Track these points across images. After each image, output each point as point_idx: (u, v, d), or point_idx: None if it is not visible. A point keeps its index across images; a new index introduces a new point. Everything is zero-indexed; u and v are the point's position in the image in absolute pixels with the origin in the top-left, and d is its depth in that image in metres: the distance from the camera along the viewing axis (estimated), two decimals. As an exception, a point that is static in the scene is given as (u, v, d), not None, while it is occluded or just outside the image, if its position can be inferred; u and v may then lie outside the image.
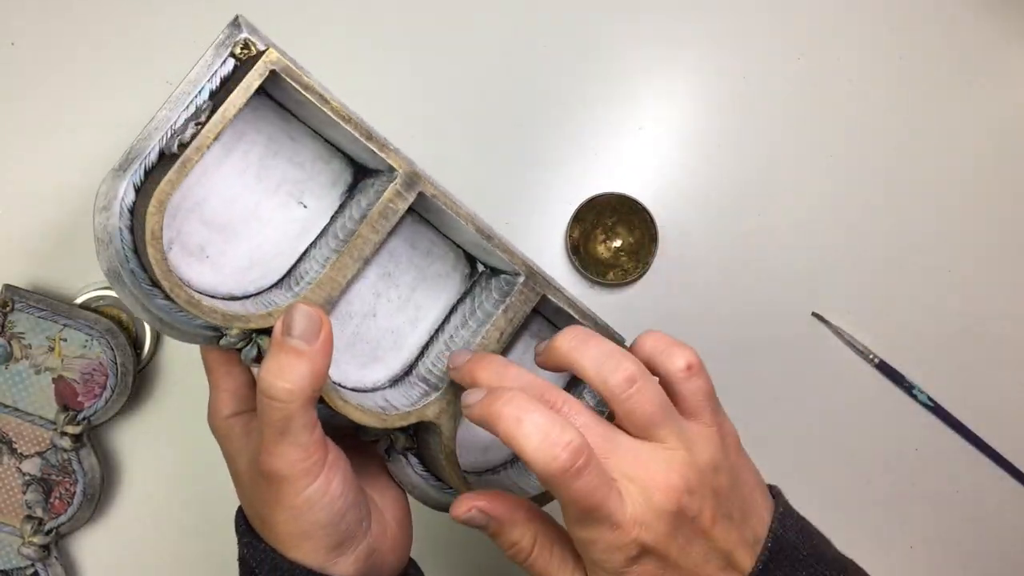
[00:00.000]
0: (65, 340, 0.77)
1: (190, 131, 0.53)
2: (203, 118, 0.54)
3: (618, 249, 0.84)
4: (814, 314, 0.86)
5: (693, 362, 0.57)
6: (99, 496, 0.80)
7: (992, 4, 0.87)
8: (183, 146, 0.53)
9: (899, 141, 0.86)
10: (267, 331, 0.57)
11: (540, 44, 0.85)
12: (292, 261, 0.62)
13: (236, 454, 0.60)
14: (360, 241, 0.58)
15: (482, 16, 0.85)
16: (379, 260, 0.63)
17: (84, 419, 0.78)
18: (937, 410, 0.85)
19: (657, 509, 0.53)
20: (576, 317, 0.64)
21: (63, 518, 0.78)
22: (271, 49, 0.55)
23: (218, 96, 0.56)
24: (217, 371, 0.62)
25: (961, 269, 0.87)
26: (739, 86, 0.86)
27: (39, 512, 0.78)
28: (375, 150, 0.57)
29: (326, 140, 0.62)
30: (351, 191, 0.62)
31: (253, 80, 0.54)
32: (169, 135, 0.55)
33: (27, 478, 0.78)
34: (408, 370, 0.65)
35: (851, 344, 0.85)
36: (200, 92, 0.56)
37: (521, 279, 0.62)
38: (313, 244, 0.62)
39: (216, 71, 0.56)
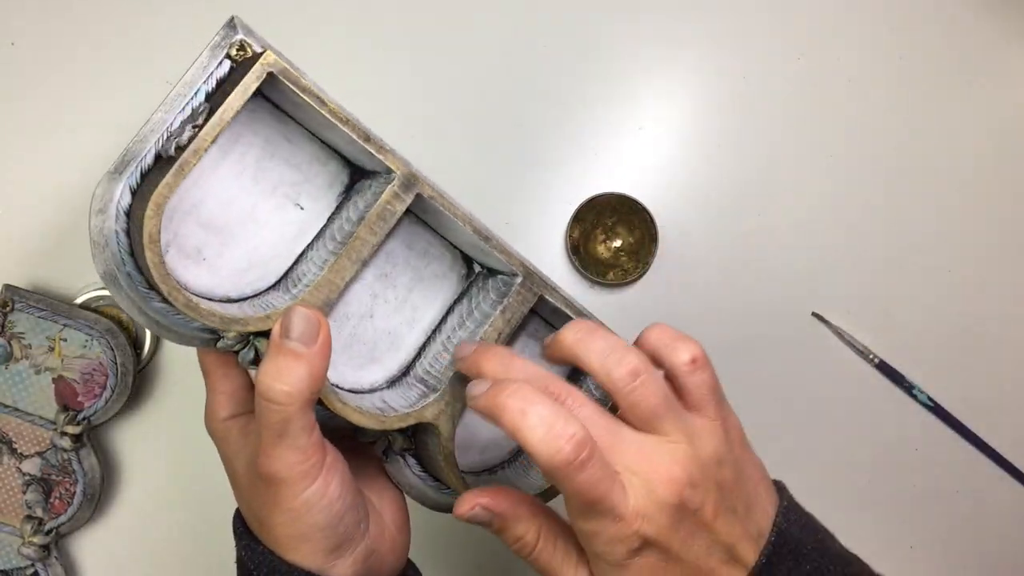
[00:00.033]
0: (65, 340, 0.77)
1: (187, 134, 0.53)
2: (200, 121, 0.54)
3: (618, 249, 0.84)
4: (814, 314, 0.86)
5: (698, 355, 0.57)
6: (99, 496, 0.80)
7: (992, 4, 0.87)
8: (180, 149, 0.53)
9: (899, 141, 0.86)
10: (264, 333, 0.57)
11: (540, 44, 0.85)
12: (289, 263, 0.62)
13: (233, 456, 0.60)
14: (358, 243, 0.58)
15: (482, 16, 0.85)
16: (376, 261, 0.63)
17: (84, 419, 0.78)
18: (937, 410, 0.85)
19: (659, 502, 0.53)
20: (573, 317, 0.64)
21: (63, 518, 0.79)
22: (268, 51, 0.54)
23: (214, 98, 0.56)
24: (214, 373, 0.62)
25: (961, 269, 0.87)
26: (739, 86, 0.86)
27: (39, 512, 0.78)
28: (373, 152, 0.57)
29: (323, 142, 0.62)
30: (348, 192, 0.62)
31: (250, 83, 0.54)
32: (165, 137, 0.55)
33: (27, 478, 0.78)
34: (405, 371, 0.65)
35: (851, 344, 0.85)
36: (196, 94, 0.56)
37: (519, 280, 0.62)
38: (310, 246, 0.62)
39: (212, 73, 0.56)
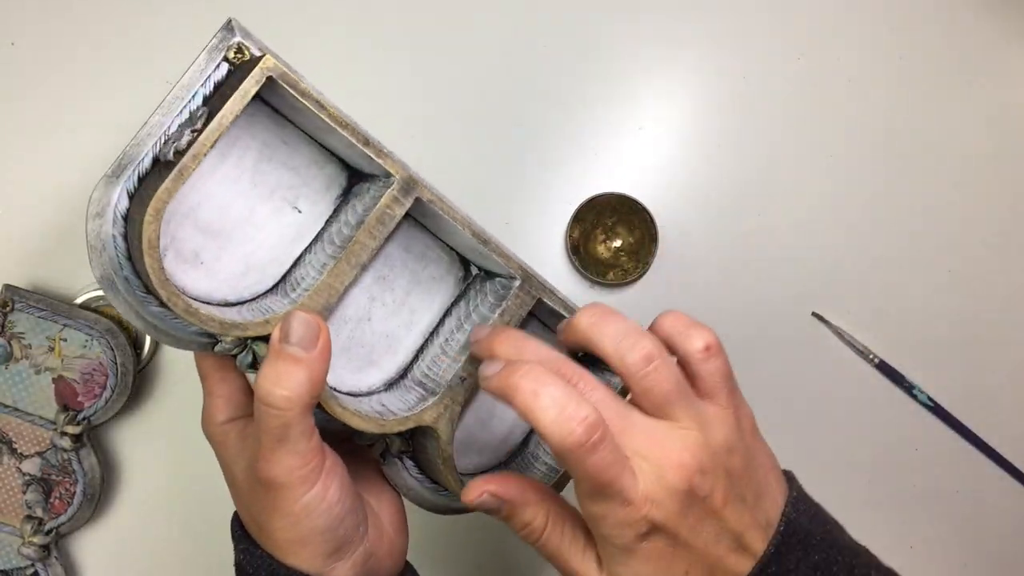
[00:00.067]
0: (65, 340, 0.77)
1: (186, 138, 0.53)
2: (199, 125, 0.53)
3: (618, 249, 0.84)
4: (814, 314, 0.86)
5: (711, 343, 0.57)
6: (99, 496, 0.80)
7: (992, 4, 0.87)
8: (179, 153, 0.53)
9: (899, 141, 0.86)
10: (263, 337, 0.57)
11: (540, 44, 0.85)
12: (287, 267, 0.62)
13: (232, 461, 0.60)
14: (357, 247, 0.58)
15: (482, 16, 0.85)
16: (374, 264, 0.63)
17: (84, 419, 0.78)
18: (937, 410, 0.85)
19: (669, 487, 0.53)
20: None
21: (63, 518, 0.79)
22: (268, 55, 0.54)
23: (212, 101, 0.55)
24: (211, 377, 0.62)
25: (961, 269, 0.87)
26: (739, 86, 0.86)
27: (39, 512, 0.78)
28: (372, 156, 0.57)
29: (321, 145, 0.62)
30: (345, 196, 0.62)
31: (250, 87, 0.53)
32: (163, 141, 0.55)
33: (27, 478, 0.78)
34: (403, 373, 0.65)
35: (851, 344, 0.85)
36: (194, 97, 0.56)
37: (517, 283, 0.62)
38: (308, 249, 0.61)
39: (209, 76, 0.56)
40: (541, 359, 0.55)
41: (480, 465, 0.69)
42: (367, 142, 0.57)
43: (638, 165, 0.85)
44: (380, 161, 0.57)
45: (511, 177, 0.84)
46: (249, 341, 0.57)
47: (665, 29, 0.86)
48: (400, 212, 0.58)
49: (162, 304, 0.55)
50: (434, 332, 0.65)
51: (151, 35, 0.83)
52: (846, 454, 0.86)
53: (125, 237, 0.56)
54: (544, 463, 0.68)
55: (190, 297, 0.57)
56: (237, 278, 0.61)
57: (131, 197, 0.56)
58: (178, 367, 0.83)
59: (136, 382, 0.79)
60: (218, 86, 0.56)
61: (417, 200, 0.59)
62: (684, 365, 0.57)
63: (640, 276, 0.84)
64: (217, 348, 0.57)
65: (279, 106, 0.59)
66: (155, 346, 0.82)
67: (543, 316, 0.67)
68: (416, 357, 0.65)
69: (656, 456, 0.53)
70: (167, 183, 0.52)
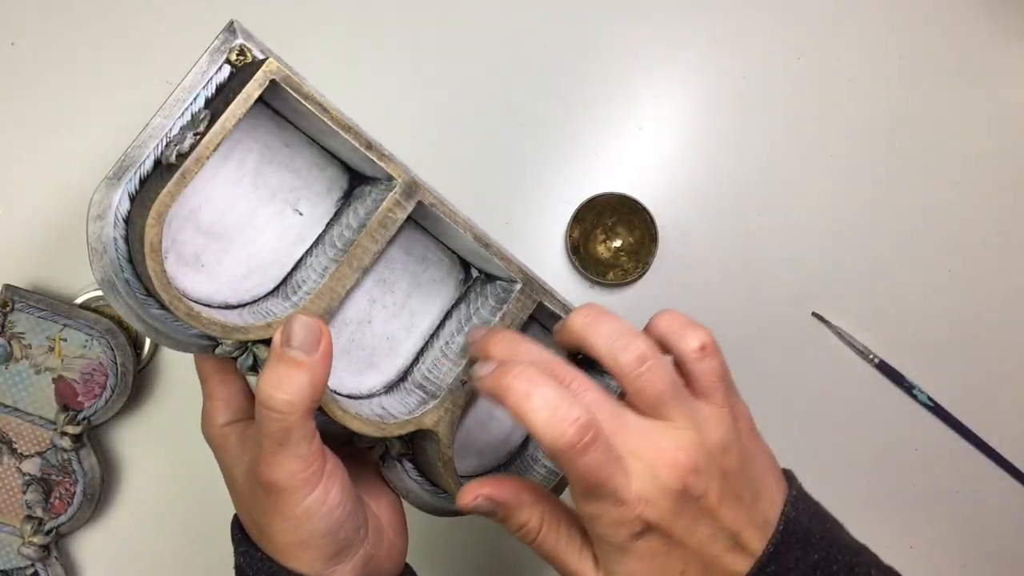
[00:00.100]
0: (65, 340, 0.77)
1: (188, 141, 0.53)
2: (201, 128, 0.53)
3: (618, 249, 0.84)
4: (814, 314, 0.86)
5: (707, 342, 0.57)
6: (99, 496, 0.80)
7: (992, 4, 0.87)
8: (182, 156, 0.53)
9: (899, 141, 0.86)
10: (264, 340, 0.57)
11: (540, 44, 0.85)
12: (288, 269, 0.61)
13: (232, 463, 0.60)
14: (360, 251, 0.58)
15: (482, 16, 0.85)
16: (375, 267, 0.63)
17: (84, 419, 0.78)
18: (937, 410, 0.85)
19: (662, 487, 0.53)
20: None
21: (63, 518, 0.79)
22: (271, 59, 0.54)
23: (214, 103, 0.55)
24: (211, 379, 0.62)
25: (961, 269, 0.87)
26: (739, 86, 0.86)
27: (39, 512, 0.78)
28: (375, 159, 0.57)
29: (322, 147, 0.61)
30: (346, 198, 0.62)
31: (253, 90, 0.53)
32: (164, 143, 0.55)
33: (27, 478, 0.78)
34: (403, 376, 0.65)
35: (851, 344, 0.85)
36: (196, 99, 0.56)
37: (518, 286, 0.62)
38: (309, 252, 0.61)
39: (211, 78, 0.56)
40: (535, 360, 0.55)
41: (480, 467, 0.69)
42: (370, 146, 0.57)
43: (638, 165, 0.85)
44: (383, 165, 0.57)
45: (511, 177, 0.84)
46: (250, 344, 0.57)
47: (665, 29, 0.86)
48: (402, 216, 0.58)
49: (163, 307, 0.55)
50: (434, 335, 0.65)
51: (151, 35, 0.83)
52: (846, 454, 0.86)
53: (126, 239, 0.55)
54: (544, 465, 0.68)
55: (191, 300, 0.57)
56: (238, 280, 0.60)
57: (132, 199, 0.55)
58: (178, 367, 0.82)
59: (136, 382, 0.79)
60: (220, 88, 0.56)
61: (419, 203, 0.58)
62: (680, 365, 0.57)
63: (640, 276, 0.84)
64: (218, 351, 0.57)
65: (281, 108, 0.59)
66: (155, 346, 0.82)
67: (544, 319, 0.66)
68: (416, 360, 0.65)
69: (650, 456, 0.53)
70: (170, 187, 0.52)
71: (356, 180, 0.62)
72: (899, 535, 0.86)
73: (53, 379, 0.77)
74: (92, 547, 0.82)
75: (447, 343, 0.64)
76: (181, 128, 0.55)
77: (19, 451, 0.78)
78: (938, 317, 0.86)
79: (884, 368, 0.85)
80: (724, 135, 0.86)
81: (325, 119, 0.56)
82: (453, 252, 0.65)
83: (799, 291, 0.86)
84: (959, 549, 0.87)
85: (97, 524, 0.82)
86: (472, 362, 0.61)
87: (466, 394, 0.62)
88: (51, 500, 0.78)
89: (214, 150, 0.53)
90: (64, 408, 0.78)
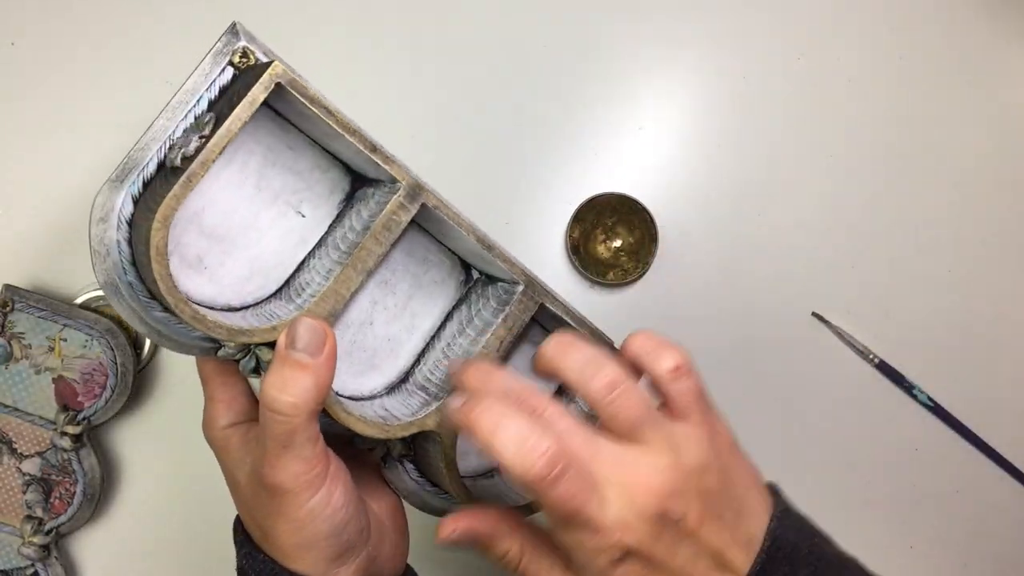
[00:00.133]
0: (65, 340, 0.77)
1: (194, 144, 0.53)
2: (206, 131, 0.53)
3: (618, 249, 0.84)
4: (814, 314, 0.86)
5: (681, 363, 0.56)
6: (99, 496, 0.80)
7: (992, 4, 0.87)
8: (187, 159, 0.53)
9: (899, 141, 0.86)
10: (267, 343, 0.57)
11: (540, 44, 0.85)
12: (290, 271, 0.62)
13: (234, 465, 0.60)
14: (364, 254, 0.58)
15: (482, 16, 0.85)
16: (377, 269, 0.63)
17: (84, 419, 0.78)
18: (937, 410, 0.85)
19: (639, 512, 0.53)
20: (572, 324, 0.64)
21: (63, 518, 0.78)
22: (276, 62, 0.54)
23: (217, 106, 0.55)
24: (213, 381, 0.62)
25: (961, 269, 0.86)
26: (739, 86, 0.86)
27: (39, 512, 0.78)
28: (379, 162, 0.57)
29: (324, 149, 0.61)
30: (349, 200, 0.62)
31: (259, 94, 0.53)
32: (168, 146, 0.55)
33: (27, 478, 0.78)
34: (405, 377, 0.65)
35: (851, 344, 0.85)
36: (199, 102, 0.56)
37: (520, 288, 0.62)
38: (311, 254, 0.61)
39: (215, 80, 0.56)
40: (509, 389, 0.55)
41: (480, 467, 0.69)
42: (374, 148, 0.57)
43: (638, 165, 0.85)
44: (387, 168, 0.57)
45: (511, 177, 0.84)
46: (253, 346, 0.57)
47: (665, 29, 0.86)
48: (406, 218, 0.58)
49: (167, 309, 0.55)
50: (435, 336, 0.65)
51: (151, 35, 0.82)
52: (846, 454, 0.86)
53: (129, 242, 0.55)
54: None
55: (194, 302, 0.57)
56: (241, 283, 0.60)
57: (136, 202, 0.55)
58: (178, 367, 0.82)
59: (136, 382, 0.79)
60: (223, 90, 0.56)
61: (423, 206, 0.58)
62: (655, 386, 0.57)
63: (640, 276, 0.84)
64: (220, 353, 0.57)
65: (283, 111, 0.59)
66: (155, 346, 0.82)
67: (545, 321, 0.67)
68: (418, 361, 0.65)
69: (625, 481, 0.53)
70: (175, 190, 0.52)
71: (358, 182, 0.62)
72: (899, 535, 0.86)
73: (53, 379, 0.77)
74: (92, 547, 0.82)
75: (448, 344, 0.64)
76: (184, 131, 0.55)
77: (19, 451, 0.78)
78: (938, 317, 0.86)
79: (884, 368, 0.85)
80: (724, 135, 0.86)
81: (330, 122, 0.55)
82: (454, 253, 0.65)
83: (799, 291, 0.86)
84: (959, 549, 0.87)
85: (97, 524, 0.82)
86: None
87: None
88: (51, 500, 0.78)
89: (219, 153, 0.53)
90: (64, 408, 0.77)
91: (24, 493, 0.78)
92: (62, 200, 0.81)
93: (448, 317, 0.66)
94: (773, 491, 0.60)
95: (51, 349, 0.77)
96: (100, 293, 0.79)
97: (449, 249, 0.65)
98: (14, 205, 0.81)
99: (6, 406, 0.77)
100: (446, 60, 0.84)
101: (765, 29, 0.86)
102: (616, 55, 0.85)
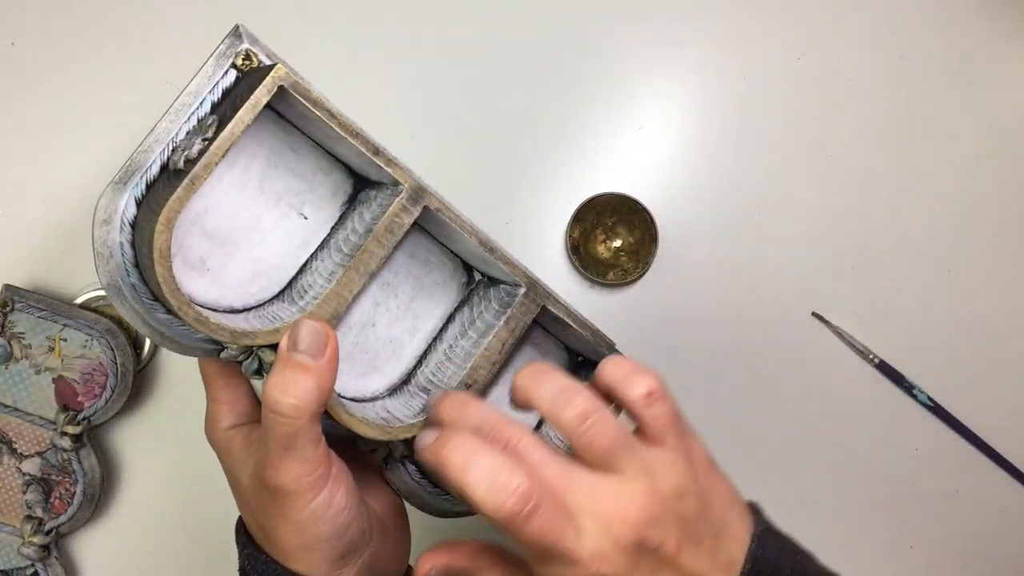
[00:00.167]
0: (65, 340, 0.77)
1: (197, 147, 0.53)
2: (209, 133, 0.53)
3: (618, 249, 0.84)
4: (814, 314, 0.86)
5: (654, 388, 0.56)
6: (99, 496, 0.80)
7: (992, 4, 0.87)
8: (190, 162, 0.53)
9: (899, 141, 0.86)
10: (270, 345, 0.57)
11: (540, 44, 0.85)
12: (293, 273, 0.62)
13: (237, 467, 0.60)
14: (366, 256, 0.58)
15: (482, 16, 0.85)
16: (380, 271, 0.63)
17: (84, 419, 0.78)
18: (937, 410, 0.86)
19: (616, 542, 0.52)
20: (573, 325, 0.64)
21: (63, 518, 0.78)
22: (279, 64, 0.54)
23: (220, 108, 0.55)
24: (215, 383, 0.62)
25: (961, 269, 0.87)
26: (739, 86, 0.86)
27: (39, 512, 0.78)
28: (382, 165, 0.57)
29: (327, 151, 0.61)
30: (351, 202, 0.62)
31: (262, 96, 0.53)
32: (171, 148, 0.55)
33: (27, 478, 0.78)
34: (407, 379, 0.65)
35: (851, 344, 0.85)
36: (202, 104, 0.55)
37: (522, 291, 0.62)
38: (314, 256, 0.61)
39: (218, 82, 0.56)
40: (484, 420, 0.55)
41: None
42: (377, 151, 0.57)
43: (638, 165, 0.85)
44: (389, 170, 0.57)
45: (511, 177, 0.84)
46: (256, 348, 0.57)
47: (665, 29, 0.86)
48: (409, 221, 0.58)
49: (170, 311, 0.55)
50: (437, 338, 0.65)
51: (151, 35, 0.82)
52: (846, 454, 0.86)
53: (132, 244, 0.55)
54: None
55: (197, 304, 0.56)
56: (244, 284, 0.60)
57: (139, 204, 0.55)
58: (178, 367, 0.82)
59: (136, 382, 0.79)
60: (226, 93, 0.56)
61: (425, 208, 0.58)
62: (628, 412, 0.56)
63: (640, 276, 0.84)
64: (223, 355, 0.57)
65: (286, 113, 0.59)
66: (155, 346, 0.82)
67: (547, 323, 0.67)
68: (420, 362, 0.65)
69: (601, 512, 0.53)
70: (179, 192, 0.52)
71: (360, 184, 0.62)
72: (899, 535, 0.86)
73: (53, 379, 0.77)
74: (92, 547, 0.82)
75: (450, 346, 0.64)
76: (187, 133, 0.55)
77: (19, 451, 0.78)
78: (938, 317, 0.86)
79: (884, 368, 0.85)
80: (724, 135, 0.86)
81: (333, 125, 0.55)
82: (456, 255, 0.65)
83: (799, 291, 0.86)
84: (959, 549, 0.87)
85: (97, 524, 0.82)
86: (477, 369, 0.61)
87: None
88: (51, 500, 0.78)
89: (222, 156, 0.53)
90: (64, 408, 0.77)
91: (24, 493, 0.78)
92: (62, 200, 0.81)
93: (450, 319, 0.66)
94: (754, 510, 0.59)
95: (51, 349, 0.77)
96: (100, 293, 0.79)
97: (451, 251, 0.65)
98: (14, 205, 0.81)
99: (6, 406, 0.77)
100: (446, 60, 0.84)
101: (765, 29, 0.86)
102: (616, 55, 0.85)
